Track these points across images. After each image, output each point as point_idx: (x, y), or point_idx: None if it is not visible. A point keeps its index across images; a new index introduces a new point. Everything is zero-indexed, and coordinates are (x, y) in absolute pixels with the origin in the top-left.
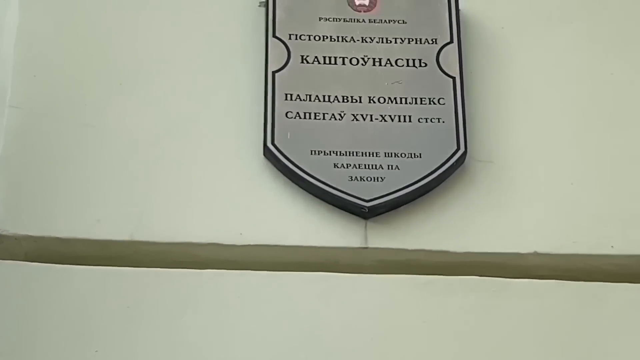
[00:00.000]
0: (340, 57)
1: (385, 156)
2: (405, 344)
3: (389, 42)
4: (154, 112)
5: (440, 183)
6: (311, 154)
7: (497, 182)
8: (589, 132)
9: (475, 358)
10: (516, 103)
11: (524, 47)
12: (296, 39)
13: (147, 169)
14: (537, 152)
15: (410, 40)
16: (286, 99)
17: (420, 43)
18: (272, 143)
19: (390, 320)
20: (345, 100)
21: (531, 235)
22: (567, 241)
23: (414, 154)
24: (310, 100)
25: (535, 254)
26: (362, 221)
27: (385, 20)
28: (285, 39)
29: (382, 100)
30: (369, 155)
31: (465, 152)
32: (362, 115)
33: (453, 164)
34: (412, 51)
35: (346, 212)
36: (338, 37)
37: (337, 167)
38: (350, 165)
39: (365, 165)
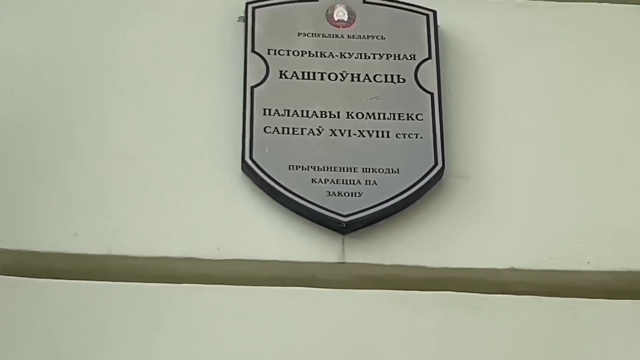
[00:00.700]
0: (318, 73)
1: (363, 171)
2: (382, 359)
3: (367, 57)
4: (132, 126)
5: (418, 198)
6: (289, 169)
7: (474, 197)
8: (565, 148)
9: None
10: (494, 119)
11: (502, 64)
12: (275, 54)
13: (125, 183)
14: (513, 168)
15: (389, 56)
16: (264, 114)
17: (399, 59)
18: (250, 158)
19: (367, 335)
20: (324, 116)
21: (508, 250)
22: (543, 257)
23: (392, 169)
24: (288, 115)
25: (512, 269)
26: (340, 236)
27: (363, 36)
28: (264, 54)
29: (360, 115)
30: (347, 171)
31: (442, 168)
32: (340, 130)
33: (430, 179)
34: (391, 67)
35: (324, 227)
36: (317, 52)
37: (315, 182)
38: (328, 180)
39: (343, 180)
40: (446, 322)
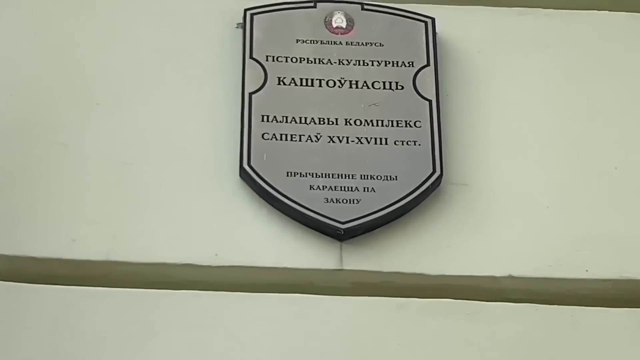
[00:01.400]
0: (317, 79)
1: (361, 178)
2: None
3: (365, 64)
4: (131, 132)
5: (416, 206)
6: (287, 175)
7: (472, 205)
8: (564, 156)
9: None
10: (492, 126)
11: (500, 71)
12: (273, 60)
13: (123, 189)
14: (512, 175)
15: (387, 62)
16: (262, 121)
17: (397, 66)
18: (248, 164)
19: (364, 342)
20: (322, 122)
21: (506, 258)
22: (541, 265)
23: (390, 176)
24: (286, 121)
25: (510, 277)
26: (338, 243)
27: (362, 43)
28: (262, 61)
29: (358, 122)
30: (345, 177)
31: (440, 175)
32: (338, 137)
33: (429, 186)
34: (389, 74)
35: (322, 234)
36: (315, 59)
37: (313, 189)
38: (326, 187)
39: (341, 187)
40: (444, 329)
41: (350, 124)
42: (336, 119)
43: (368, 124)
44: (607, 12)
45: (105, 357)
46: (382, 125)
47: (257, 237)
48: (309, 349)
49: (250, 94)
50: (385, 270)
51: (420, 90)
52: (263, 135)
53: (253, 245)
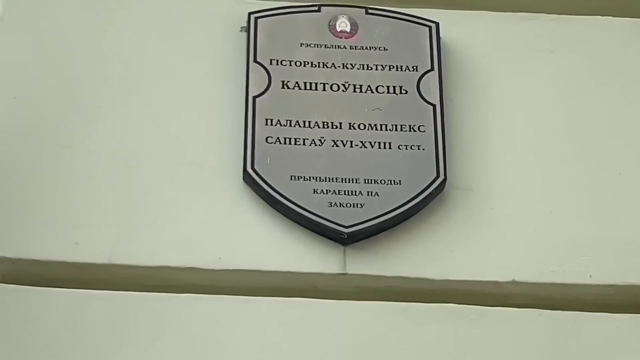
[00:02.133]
0: (320, 83)
1: (365, 182)
2: None
3: (369, 68)
4: (134, 135)
5: (420, 210)
6: (291, 179)
7: (476, 209)
8: (568, 160)
9: None
10: (496, 131)
11: (504, 76)
12: (277, 64)
13: (126, 192)
14: (516, 180)
15: (391, 67)
16: (266, 124)
17: (401, 70)
18: (252, 168)
19: (367, 346)
20: (326, 126)
21: (509, 263)
22: (545, 270)
23: (394, 180)
24: (290, 125)
25: (514, 282)
26: (341, 247)
27: (366, 47)
28: (266, 64)
29: (362, 126)
30: (349, 182)
31: (444, 180)
32: (342, 141)
33: (432, 191)
34: (393, 78)
35: (325, 238)
36: (319, 63)
37: (317, 193)
38: (329, 191)
39: (344, 191)
40: (447, 334)
41: (354, 128)
42: (340, 123)
43: (372, 128)
44: (611, 17)
45: None
46: (386, 130)
47: (261, 240)
48: (312, 353)
49: (254, 98)
50: (388, 274)
51: (424, 95)
52: (267, 139)
53: (256, 249)
